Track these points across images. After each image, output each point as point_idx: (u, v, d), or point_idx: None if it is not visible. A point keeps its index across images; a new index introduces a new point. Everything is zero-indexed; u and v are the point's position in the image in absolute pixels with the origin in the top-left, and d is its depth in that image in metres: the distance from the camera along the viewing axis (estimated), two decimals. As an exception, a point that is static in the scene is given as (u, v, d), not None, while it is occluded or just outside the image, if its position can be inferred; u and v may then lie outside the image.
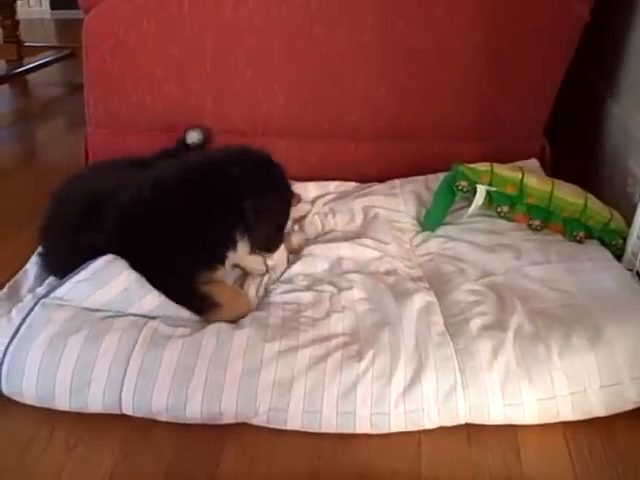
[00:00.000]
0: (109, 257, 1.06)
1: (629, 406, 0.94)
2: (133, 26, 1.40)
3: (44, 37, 3.48)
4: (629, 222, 1.17)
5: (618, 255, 1.18)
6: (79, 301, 1.04)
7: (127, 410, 0.94)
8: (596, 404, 0.93)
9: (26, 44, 2.84)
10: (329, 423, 0.92)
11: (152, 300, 1.05)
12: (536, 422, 0.93)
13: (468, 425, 0.93)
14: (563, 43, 1.39)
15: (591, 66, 1.62)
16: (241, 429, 0.93)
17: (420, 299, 1.08)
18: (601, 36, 1.52)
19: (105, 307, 1.04)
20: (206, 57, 1.43)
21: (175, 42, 1.42)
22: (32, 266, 1.20)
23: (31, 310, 1.02)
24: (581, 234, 1.23)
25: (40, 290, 1.11)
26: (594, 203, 1.25)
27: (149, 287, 1.06)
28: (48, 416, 0.95)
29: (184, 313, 1.07)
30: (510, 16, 1.36)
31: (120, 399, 0.93)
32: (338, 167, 1.51)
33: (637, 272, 1.13)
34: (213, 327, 1.01)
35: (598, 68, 1.60)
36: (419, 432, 0.92)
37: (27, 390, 0.95)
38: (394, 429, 0.92)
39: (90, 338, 0.97)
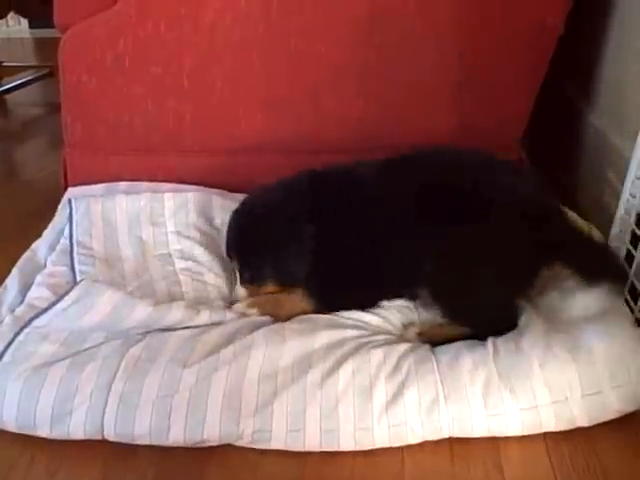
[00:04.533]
0: (87, 282, 1.07)
1: (611, 415, 0.95)
2: (109, 46, 1.40)
3: (23, 56, 3.47)
4: (606, 232, 1.18)
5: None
6: (68, 327, 1.04)
7: (109, 437, 0.93)
8: (578, 414, 0.93)
9: (5, 64, 2.84)
10: (313, 441, 0.91)
11: (142, 311, 1.06)
12: (519, 433, 0.93)
13: (451, 440, 0.93)
14: (537, 55, 1.40)
15: (567, 77, 1.64)
16: (224, 449, 0.92)
17: (402, 314, 1.10)
18: (577, 48, 1.54)
19: (97, 328, 1.04)
20: (184, 75, 1.42)
21: (152, 61, 1.41)
22: (12, 281, 1.19)
23: (12, 340, 1.02)
24: None
25: (19, 311, 1.09)
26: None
27: (134, 300, 1.06)
28: (28, 443, 0.94)
29: (172, 319, 1.06)
30: (484, 29, 1.37)
31: (102, 426, 0.92)
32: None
33: (615, 282, 1.13)
34: (196, 355, 1.00)
35: (574, 79, 1.61)
36: (402, 448, 0.92)
37: (7, 419, 0.94)
38: (378, 444, 0.92)
39: (72, 367, 0.97)
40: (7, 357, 0.99)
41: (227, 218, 1.35)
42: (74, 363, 0.97)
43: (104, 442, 0.93)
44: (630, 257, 1.09)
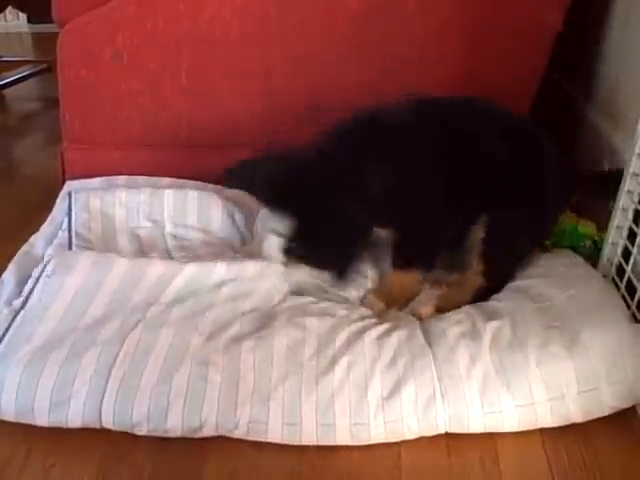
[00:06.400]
0: (62, 252, 1.18)
1: (607, 411, 0.95)
2: (108, 41, 1.40)
3: (22, 51, 3.47)
4: (603, 228, 1.18)
5: (587, 257, 1.20)
6: (55, 295, 1.06)
7: (107, 424, 0.93)
8: (574, 410, 0.93)
9: (3, 58, 2.84)
10: (309, 435, 0.92)
11: (122, 264, 1.10)
12: (515, 430, 0.93)
13: (448, 436, 0.93)
14: (536, 52, 1.40)
15: (567, 75, 1.64)
16: (221, 444, 0.92)
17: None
18: (576, 45, 1.54)
19: (83, 291, 1.06)
20: (182, 70, 1.43)
21: (151, 56, 1.41)
22: (9, 275, 1.19)
23: (10, 325, 1.02)
24: (548, 243, 1.25)
25: (17, 303, 1.09)
26: None
27: (111, 255, 1.12)
28: (24, 437, 0.94)
29: (156, 270, 1.10)
30: (482, 26, 1.38)
31: (100, 413, 0.93)
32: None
33: (612, 278, 1.14)
34: (193, 342, 1.00)
35: (573, 76, 1.62)
36: (399, 444, 0.92)
37: (6, 406, 0.94)
38: (374, 440, 0.92)
39: (72, 353, 0.97)
40: (5, 342, 1.00)
41: (226, 213, 1.36)
42: (74, 349, 0.98)
43: (101, 437, 0.93)
44: (627, 253, 1.09)
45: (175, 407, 0.92)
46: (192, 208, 1.37)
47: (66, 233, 1.29)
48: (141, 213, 1.35)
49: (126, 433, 0.93)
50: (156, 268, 1.11)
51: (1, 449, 0.92)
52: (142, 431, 0.93)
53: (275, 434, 0.92)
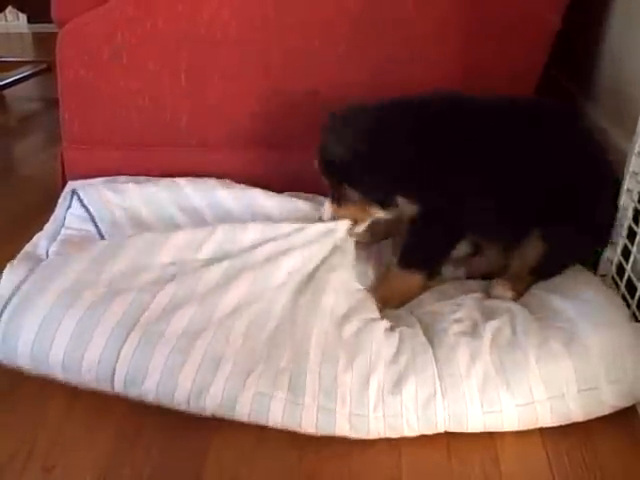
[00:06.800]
0: None
1: (607, 410, 0.95)
2: (107, 41, 1.40)
3: (22, 51, 3.47)
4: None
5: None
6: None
7: (118, 383, 0.94)
8: (574, 409, 0.93)
9: (3, 59, 2.84)
10: (310, 420, 0.92)
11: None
12: (515, 429, 0.93)
13: (448, 436, 0.93)
14: (535, 49, 1.40)
15: (566, 72, 1.64)
16: (220, 444, 0.93)
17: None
18: (576, 43, 1.54)
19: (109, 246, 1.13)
20: (181, 71, 1.43)
21: (150, 57, 1.41)
22: (7, 277, 1.18)
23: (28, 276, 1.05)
24: None
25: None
26: None
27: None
28: (26, 435, 0.94)
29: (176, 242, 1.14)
30: (481, 24, 1.37)
31: (114, 370, 0.94)
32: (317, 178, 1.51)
33: (612, 277, 1.14)
34: (218, 310, 1.03)
35: (573, 74, 1.61)
36: (399, 444, 0.92)
37: (22, 349, 0.96)
38: (373, 433, 0.92)
39: (98, 300, 1.00)
40: (35, 276, 1.04)
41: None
42: (102, 297, 1.01)
43: (102, 437, 0.93)
44: (627, 252, 1.09)
45: (186, 373, 0.93)
46: (211, 183, 1.41)
47: (69, 231, 1.31)
48: (166, 206, 1.37)
49: (126, 432, 0.94)
50: (177, 236, 1.15)
51: (2, 449, 0.92)
52: (150, 398, 0.94)
53: (276, 414, 0.92)
